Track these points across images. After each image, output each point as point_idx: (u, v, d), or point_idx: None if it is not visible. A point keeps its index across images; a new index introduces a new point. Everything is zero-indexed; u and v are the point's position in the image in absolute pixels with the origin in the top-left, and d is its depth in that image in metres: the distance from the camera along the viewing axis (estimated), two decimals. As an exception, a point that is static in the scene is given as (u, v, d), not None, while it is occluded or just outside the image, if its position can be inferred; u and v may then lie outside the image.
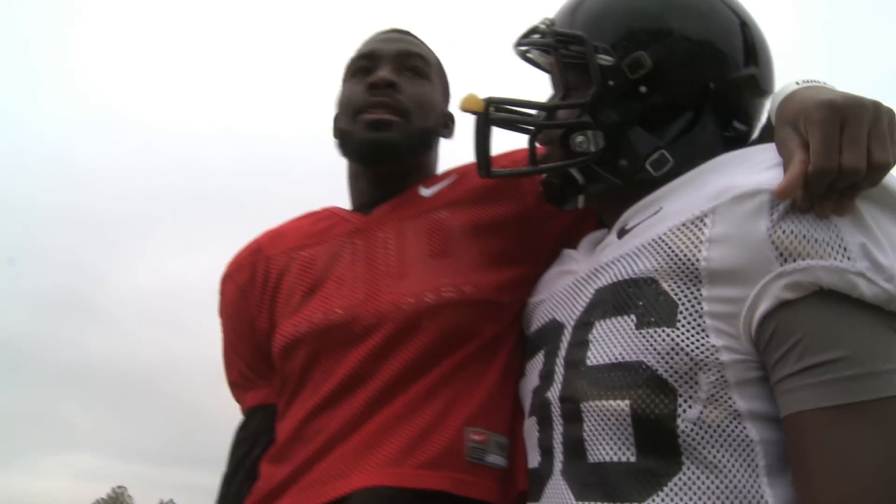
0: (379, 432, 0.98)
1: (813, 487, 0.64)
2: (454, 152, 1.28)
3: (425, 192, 1.18)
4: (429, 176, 1.23)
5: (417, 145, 1.18)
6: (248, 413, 1.20)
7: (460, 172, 1.20)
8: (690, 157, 0.86)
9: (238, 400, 1.24)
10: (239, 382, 1.23)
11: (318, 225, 1.21)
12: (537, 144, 0.96)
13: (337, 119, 1.23)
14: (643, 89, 0.87)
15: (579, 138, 0.88)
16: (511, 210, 1.12)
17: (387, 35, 1.25)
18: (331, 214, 1.23)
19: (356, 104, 1.15)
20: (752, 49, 0.91)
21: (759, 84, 0.91)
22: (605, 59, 0.87)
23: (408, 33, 1.27)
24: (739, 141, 0.91)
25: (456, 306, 1.03)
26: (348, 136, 1.17)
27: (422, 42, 1.27)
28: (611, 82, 0.87)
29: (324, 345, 1.06)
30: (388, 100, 1.14)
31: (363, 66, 1.19)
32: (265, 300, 1.17)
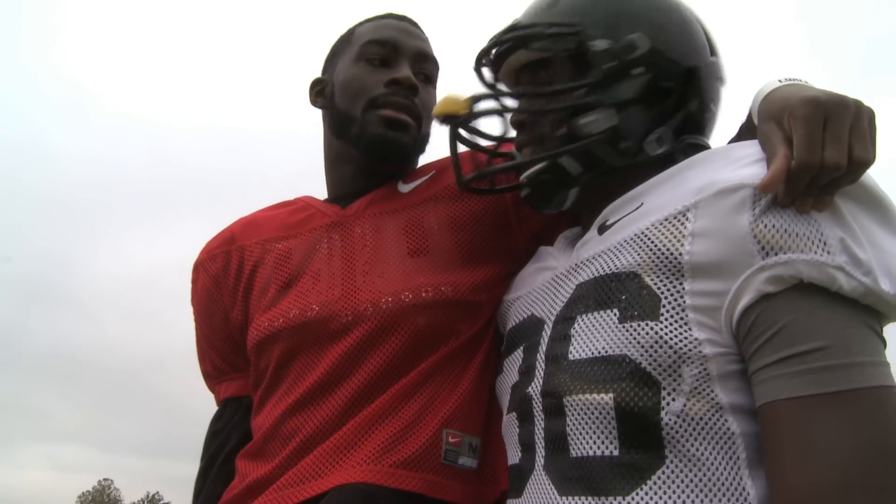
0: (358, 432, 0.97)
1: (786, 472, 0.64)
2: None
3: (403, 187, 1.17)
4: (408, 172, 1.22)
5: (419, 150, 1.19)
6: (222, 405, 1.20)
7: (438, 168, 1.19)
8: (680, 137, 0.90)
9: (212, 390, 1.24)
10: (212, 373, 1.22)
11: (294, 216, 1.19)
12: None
13: (338, 99, 1.17)
14: (638, 71, 0.88)
15: (586, 119, 0.88)
16: (488, 207, 1.11)
17: (403, 26, 1.20)
18: (306, 205, 1.21)
19: (373, 95, 1.13)
20: (710, 38, 0.95)
21: (722, 71, 0.96)
22: (602, 44, 0.88)
23: (418, 26, 1.23)
24: (711, 123, 0.96)
25: (434, 306, 1.02)
26: (357, 123, 1.13)
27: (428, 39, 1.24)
28: (610, 65, 0.88)
29: (300, 341, 1.05)
30: (409, 103, 1.13)
31: (381, 54, 1.16)
32: (239, 292, 1.16)
